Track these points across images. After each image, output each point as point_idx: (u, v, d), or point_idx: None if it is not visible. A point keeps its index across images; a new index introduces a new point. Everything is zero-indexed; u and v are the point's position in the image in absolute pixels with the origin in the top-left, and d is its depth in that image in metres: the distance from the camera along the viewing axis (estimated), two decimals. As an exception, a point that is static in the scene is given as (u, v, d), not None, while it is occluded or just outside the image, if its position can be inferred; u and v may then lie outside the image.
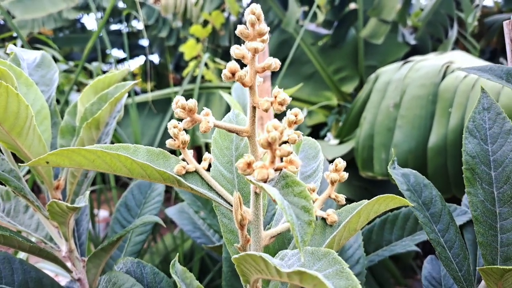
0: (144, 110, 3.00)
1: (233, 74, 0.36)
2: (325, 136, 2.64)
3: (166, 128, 2.80)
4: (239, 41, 3.21)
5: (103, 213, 3.27)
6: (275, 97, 0.37)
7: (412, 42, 2.91)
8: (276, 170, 0.34)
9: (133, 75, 5.01)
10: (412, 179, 0.53)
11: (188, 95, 3.01)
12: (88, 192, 0.53)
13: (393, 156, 0.55)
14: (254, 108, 0.39)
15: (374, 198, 0.41)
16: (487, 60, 3.60)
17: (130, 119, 2.51)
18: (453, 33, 2.76)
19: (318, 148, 0.56)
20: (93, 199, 2.08)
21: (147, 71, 5.03)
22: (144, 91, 4.26)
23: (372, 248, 0.69)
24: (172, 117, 2.74)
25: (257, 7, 0.36)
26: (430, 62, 1.59)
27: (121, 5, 4.51)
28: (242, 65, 0.40)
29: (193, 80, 3.24)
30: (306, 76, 3.15)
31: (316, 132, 2.78)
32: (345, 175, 0.47)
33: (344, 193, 0.78)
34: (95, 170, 0.41)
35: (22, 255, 0.93)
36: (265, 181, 0.33)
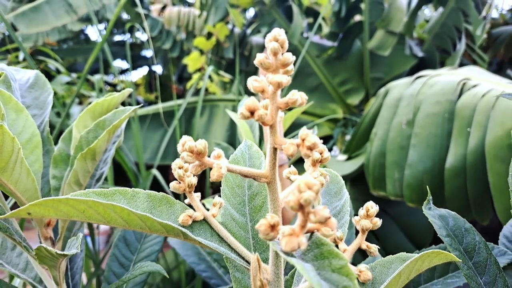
0: (146, 123, 2.95)
1: (252, 113, 0.30)
2: (331, 149, 2.58)
3: (168, 141, 2.75)
4: (243, 53, 3.17)
5: (102, 226, 3.20)
6: (303, 140, 0.30)
7: (420, 54, 2.86)
8: (305, 233, 0.27)
9: (136, 86, 4.98)
10: (451, 222, 0.46)
11: (191, 108, 2.96)
12: (81, 235, 0.47)
13: (429, 194, 0.48)
14: (275, 149, 0.33)
15: (418, 255, 0.35)
16: (494, 72, 3.55)
17: (132, 132, 2.46)
18: (461, 46, 2.71)
19: (341, 183, 0.50)
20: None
21: (151, 82, 5.00)
22: (147, 102, 4.21)
23: (398, 291, 0.62)
24: (175, 130, 2.69)
25: (281, 33, 0.30)
26: (445, 78, 1.53)
27: (125, 16, 4.50)
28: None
29: (196, 92, 3.20)
30: (311, 88, 3.10)
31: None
32: (379, 222, 0.40)
33: (352, 208, 0.70)
34: (86, 221, 0.35)
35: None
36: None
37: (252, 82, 0.31)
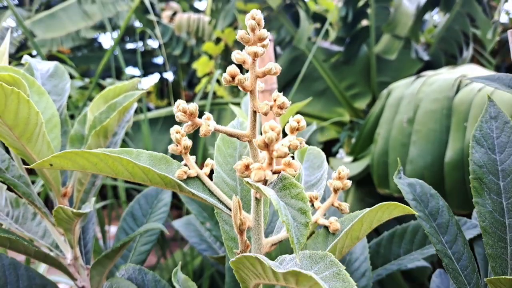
0: (156, 126, 3.04)
1: (233, 78, 0.37)
2: (337, 152, 2.62)
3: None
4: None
5: (114, 229, 3.29)
6: (275, 100, 0.37)
7: (426, 58, 2.90)
8: (274, 173, 0.34)
9: (148, 93, 5.09)
10: (418, 189, 0.52)
11: (200, 111, 3.03)
12: (94, 199, 0.54)
13: (399, 165, 0.54)
14: (254, 112, 0.40)
15: (377, 205, 0.41)
16: (503, 77, 3.53)
17: (142, 134, 2.54)
18: (469, 51, 2.73)
19: (323, 158, 0.56)
20: (105, 215, 2.09)
21: (163, 89, 5.12)
22: (157, 107, 4.32)
23: (380, 262, 0.67)
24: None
25: (257, 12, 0.36)
26: (443, 76, 1.58)
27: (136, 24, 4.64)
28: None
29: (205, 96, 3.28)
30: (318, 92, 3.15)
31: (329, 148, 2.77)
32: (348, 183, 0.46)
33: (357, 210, 0.76)
34: (98, 173, 0.42)
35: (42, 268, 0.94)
36: (264, 184, 0.33)
37: (235, 55, 0.38)
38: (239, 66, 0.39)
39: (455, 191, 1.42)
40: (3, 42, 0.67)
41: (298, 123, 0.45)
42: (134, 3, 4.17)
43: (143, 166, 0.40)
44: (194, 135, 3.04)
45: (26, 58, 0.71)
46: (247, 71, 0.41)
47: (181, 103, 0.39)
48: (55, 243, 0.66)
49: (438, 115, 1.48)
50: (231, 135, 0.41)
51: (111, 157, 0.40)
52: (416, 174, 1.52)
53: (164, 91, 5.38)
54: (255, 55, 0.36)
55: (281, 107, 0.36)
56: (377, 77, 3.07)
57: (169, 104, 4.51)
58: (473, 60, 3.21)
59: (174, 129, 0.44)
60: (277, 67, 0.38)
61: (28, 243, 0.55)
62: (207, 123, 0.38)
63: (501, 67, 3.66)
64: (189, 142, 0.44)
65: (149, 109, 3.85)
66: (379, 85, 3.07)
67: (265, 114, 0.36)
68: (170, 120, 2.98)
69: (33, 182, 0.86)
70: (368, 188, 2.01)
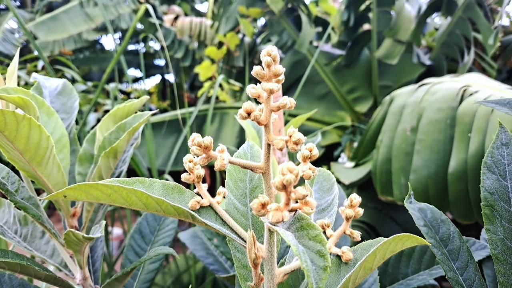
0: (159, 130, 3.04)
1: (249, 114, 0.37)
2: (339, 156, 2.63)
3: (179, 148, 2.83)
4: (253, 62, 3.25)
5: (116, 231, 3.29)
6: (290, 136, 0.37)
7: (427, 62, 2.90)
8: (290, 211, 0.34)
9: (149, 94, 5.10)
10: (429, 214, 0.52)
11: (202, 115, 3.04)
12: (104, 222, 0.54)
13: (410, 189, 0.54)
14: (268, 145, 0.40)
15: (391, 237, 0.41)
16: (504, 80, 3.55)
17: (145, 138, 2.55)
18: (471, 55, 2.73)
19: (333, 181, 0.56)
20: (107, 217, 2.09)
21: (164, 90, 5.12)
22: (160, 110, 4.33)
23: (388, 281, 0.67)
24: (186, 138, 2.78)
25: (273, 49, 0.37)
26: (446, 85, 1.58)
27: (138, 26, 4.64)
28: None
29: (207, 100, 3.28)
30: (319, 96, 3.16)
31: (330, 152, 2.78)
32: (361, 211, 0.46)
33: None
34: (111, 204, 0.42)
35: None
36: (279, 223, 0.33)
37: (250, 89, 0.38)
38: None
39: (459, 201, 1.42)
40: (5, 44, 0.67)
41: (310, 151, 0.45)
42: (136, 6, 4.16)
43: (156, 198, 0.40)
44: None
45: (34, 76, 0.71)
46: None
47: (196, 137, 0.39)
48: (64, 263, 0.66)
49: (442, 125, 1.48)
50: (244, 167, 0.41)
51: (125, 189, 0.40)
52: (420, 183, 1.52)
53: (165, 93, 5.38)
54: (271, 92, 0.36)
55: (296, 143, 0.36)
56: (379, 81, 3.07)
57: (170, 106, 4.52)
58: (475, 64, 3.20)
59: (187, 158, 0.44)
60: (291, 102, 0.38)
61: (39, 267, 0.55)
62: (222, 156, 0.38)
63: (502, 71, 3.66)
64: (201, 171, 0.45)
65: (151, 111, 3.84)
66: (380, 89, 3.07)
67: (280, 149, 0.36)
68: (173, 124, 2.99)
69: (38, 191, 0.86)
70: (370, 193, 2.01)
